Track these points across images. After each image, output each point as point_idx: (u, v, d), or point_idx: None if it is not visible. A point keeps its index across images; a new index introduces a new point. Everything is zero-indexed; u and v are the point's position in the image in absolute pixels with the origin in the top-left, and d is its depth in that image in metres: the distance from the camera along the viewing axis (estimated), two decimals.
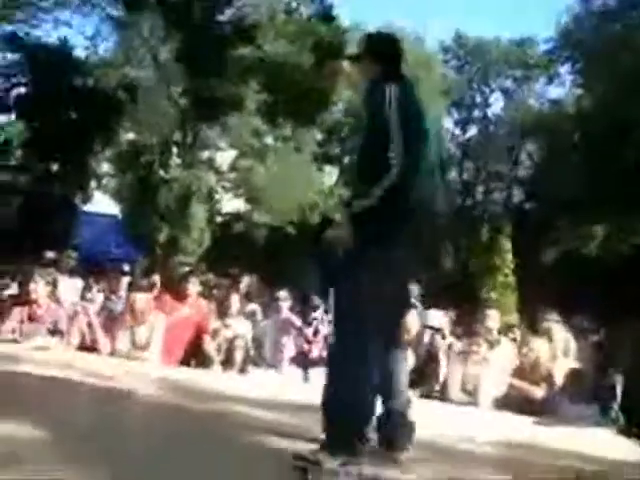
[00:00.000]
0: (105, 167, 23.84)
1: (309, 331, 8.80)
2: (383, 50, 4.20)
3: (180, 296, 8.82)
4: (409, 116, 3.85)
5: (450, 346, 8.16)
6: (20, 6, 21.41)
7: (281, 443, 4.33)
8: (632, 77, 20.93)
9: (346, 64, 4.67)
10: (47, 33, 22.83)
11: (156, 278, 9.51)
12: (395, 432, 4.13)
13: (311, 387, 7.59)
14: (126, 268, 9.54)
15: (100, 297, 9.05)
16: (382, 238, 3.77)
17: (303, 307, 9.66)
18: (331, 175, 30.40)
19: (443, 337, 8.40)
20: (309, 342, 8.68)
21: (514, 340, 9.16)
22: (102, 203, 22.33)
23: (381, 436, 4.12)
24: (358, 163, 4.22)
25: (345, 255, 3.90)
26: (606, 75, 24.33)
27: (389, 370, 4.13)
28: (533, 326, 8.88)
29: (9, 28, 21.55)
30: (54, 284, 9.12)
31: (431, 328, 8.37)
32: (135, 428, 4.88)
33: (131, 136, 23.25)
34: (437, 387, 7.57)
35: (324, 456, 3.70)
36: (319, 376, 8.00)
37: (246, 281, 10.56)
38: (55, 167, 20.77)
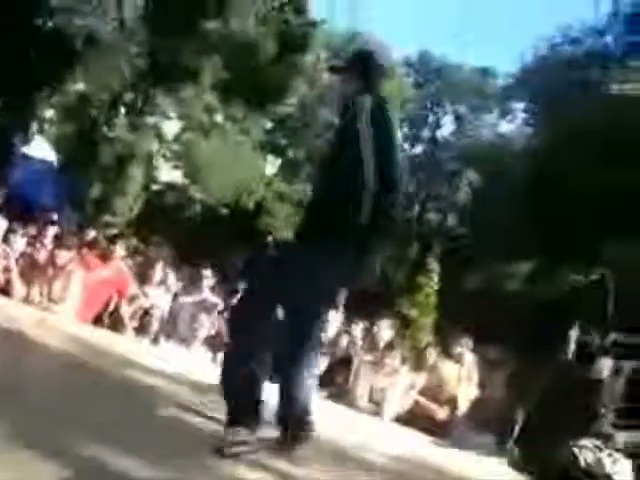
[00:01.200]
0: (49, 113, 23.32)
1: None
2: (369, 68, 4.31)
3: (104, 257, 8.71)
4: (381, 130, 3.96)
5: (359, 354, 8.22)
6: None
7: (177, 415, 4.42)
8: (581, 132, 21.39)
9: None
10: None
11: (85, 234, 9.35)
12: (296, 425, 4.13)
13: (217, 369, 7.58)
14: (54, 218, 9.32)
15: (23, 242, 8.82)
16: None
17: (224, 289, 9.63)
18: (273, 165, 30.34)
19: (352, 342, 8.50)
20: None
21: (426, 359, 9.25)
22: (41, 148, 21.84)
23: (280, 426, 4.14)
24: (325, 171, 4.30)
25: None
26: (556, 122, 24.83)
27: (295, 359, 4.10)
28: (446, 349, 8.97)
29: None
30: None
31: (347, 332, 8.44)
32: (38, 381, 4.78)
33: (80, 87, 22.78)
34: (345, 392, 7.61)
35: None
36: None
37: (159, 249, 10.45)
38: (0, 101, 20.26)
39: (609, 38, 25.10)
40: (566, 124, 22.72)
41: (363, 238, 3.86)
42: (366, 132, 3.88)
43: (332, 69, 4.79)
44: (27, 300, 7.90)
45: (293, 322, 4.06)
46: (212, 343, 8.55)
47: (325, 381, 7.40)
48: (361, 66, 4.30)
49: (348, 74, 4.31)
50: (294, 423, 4.13)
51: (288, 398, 4.09)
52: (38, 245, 8.68)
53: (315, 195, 4.39)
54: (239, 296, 4.23)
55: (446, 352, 8.64)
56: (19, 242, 8.71)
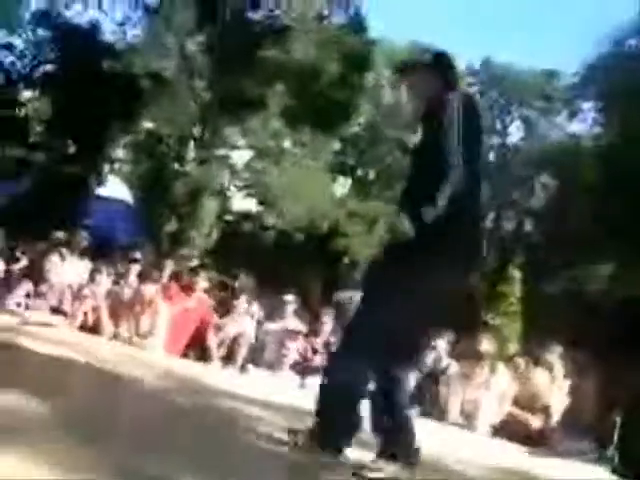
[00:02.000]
0: (121, 153, 23.85)
1: (317, 340, 8.80)
2: (448, 66, 4.13)
3: (188, 289, 8.85)
4: (470, 128, 3.81)
5: (448, 367, 8.15)
6: None
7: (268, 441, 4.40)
8: None
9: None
10: (78, 14, 22.85)
11: (167, 267, 9.51)
12: (407, 445, 3.96)
13: (307, 394, 7.61)
14: (137, 256, 9.54)
15: (108, 281, 9.04)
16: (444, 249, 3.76)
17: (309, 314, 9.68)
18: (344, 186, 30.40)
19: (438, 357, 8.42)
20: (315, 350, 8.68)
21: (515, 369, 9.13)
22: (115, 188, 22.33)
23: (387, 445, 3.97)
24: (413, 178, 4.04)
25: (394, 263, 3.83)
26: (626, 118, 24.33)
27: (398, 381, 3.99)
28: (535, 356, 8.84)
29: (41, 5, 21.65)
30: (64, 263, 9.14)
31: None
32: (129, 414, 4.87)
33: (150, 125, 23.25)
34: (436, 408, 7.55)
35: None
36: (316, 384, 8.06)
37: (242, 280, 10.55)
38: (72, 148, 20.83)
39: None
40: (633, 120, 22.25)
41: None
42: (455, 131, 3.72)
43: (406, 70, 4.40)
44: (116, 337, 8.07)
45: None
46: (299, 368, 8.58)
47: (415, 398, 7.35)
48: (439, 64, 4.10)
49: (427, 73, 4.09)
50: (406, 442, 3.96)
51: (395, 420, 3.97)
52: (123, 282, 8.88)
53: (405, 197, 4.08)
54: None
55: (535, 360, 8.50)
56: (104, 281, 8.93)
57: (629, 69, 26.19)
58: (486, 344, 8.42)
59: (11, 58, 21.72)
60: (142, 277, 8.65)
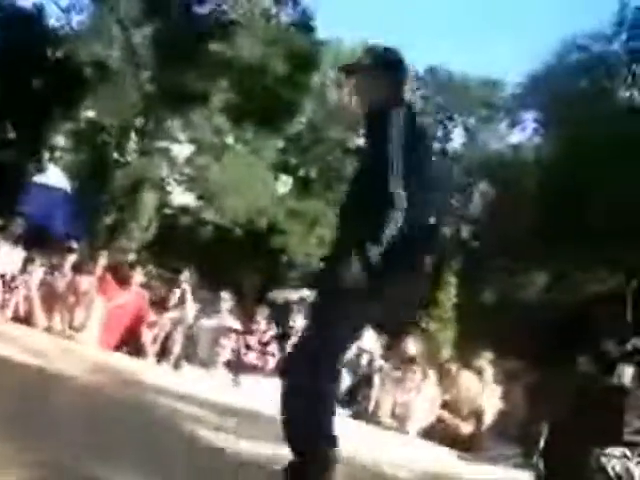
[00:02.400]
0: (61, 141, 23.48)
1: (251, 338, 8.80)
2: (391, 62, 3.90)
3: (123, 283, 8.76)
4: (411, 144, 3.57)
5: (381, 369, 8.23)
6: None
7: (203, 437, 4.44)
8: (591, 139, 21.35)
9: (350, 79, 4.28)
10: None
11: (102, 260, 9.36)
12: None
13: (240, 392, 7.63)
14: (74, 246, 9.36)
15: (41, 271, 8.86)
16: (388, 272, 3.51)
17: (243, 312, 9.67)
18: (285, 184, 30.39)
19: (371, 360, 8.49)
20: (248, 347, 8.68)
21: (446, 374, 9.24)
22: (54, 176, 21.96)
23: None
24: (352, 194, 3.83)
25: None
26: (567, 132, 24.80)
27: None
28: (466, 362, 8.96)
29: None
30: None
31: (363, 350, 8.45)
32: (61, 409, 4.81)
33: (91, 114, 22.95)
34: (367, 410, 7.61)
35: None
36: (249, 382, 8.10)
37: (185, 276, 10.47)
38: (12, 133, 20.43)
39: (616, 45, 25.05)
40: (573, 133, 22.71)
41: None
42: (395, 148, 3.49)
43: (352, 69, 4.16)
44: (49, 329, 7.95)
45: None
46: (232, 366, 8.57)
47: (347, 400, 7.42)
48: (385, 64, 3.86)
49: (372, 73, 3.85)
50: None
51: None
52: (57, 273, 8.71)
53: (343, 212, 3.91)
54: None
55: (467, 365, 8.63)
56: (38, 271, 8.75)
57: (570, 81, 26.72)
58: (418, 348, 8.53)
59: None
60: (77, 268, 8.52)
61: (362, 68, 3.94)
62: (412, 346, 8.54)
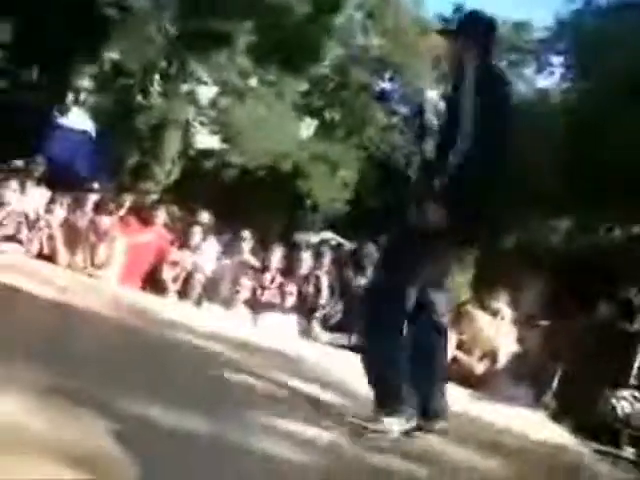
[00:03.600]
0: (85, 83, 23.48)
1: (265, 276, 8.90)
2: (481, 33, 4.12)
3: (146, 222, 8.89)
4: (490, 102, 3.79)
5: None
6: None
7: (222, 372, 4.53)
8: (620, 80, 21.05)
9: (439, 40, 4.59)
10: None
11: (126, 200, 9.49)
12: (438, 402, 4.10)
13: (258, 330, 7.77)
14: (95, 186, 9.50)
15: (64, 210, 8.99)
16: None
17: (262, 252, 9.75)
18: (309, 127, 30.27)
19: None
20: (263, 287, 8.78)
21: (464, 314, 9.30)
22: (78, 118, 22.02)
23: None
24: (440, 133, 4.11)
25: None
26: (595, 74, 24.43)
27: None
28: (483, 303, 9.02)
29: None
30: (22, 191, 9.07)
31: None
32: (82, 341, 4.93)
33: (114, 56, 22.88)
34: None
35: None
36: (267, 320, 8.24)
37: (204, 216, 10.57)
38: (35, 75, 20.44)
39: None
40: (602, 75, 22.36)
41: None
42: (468, 104, 3.75)
43: (442, 32, 4.58)
44: (71, 266, 8.10)
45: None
46: (251, 304, 8.70)
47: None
48: (476, 31, 4.10)
49: (460, 39, 4.12)
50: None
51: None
52: (79, 213, 8.85)
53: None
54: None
55: (484, 307, 8.69)
56: (60, 211, 8.90)
57: (600, 25, 26.27)
58: None
59: None
60: (98, 208, 8.65)
61: (453, 31, 4.26)
62: None
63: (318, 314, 8.46)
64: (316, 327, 8.31)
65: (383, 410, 3.84)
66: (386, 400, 3.87)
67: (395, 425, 3.81)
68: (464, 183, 3.73)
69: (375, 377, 3.95)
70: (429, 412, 4.00)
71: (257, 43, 22.02)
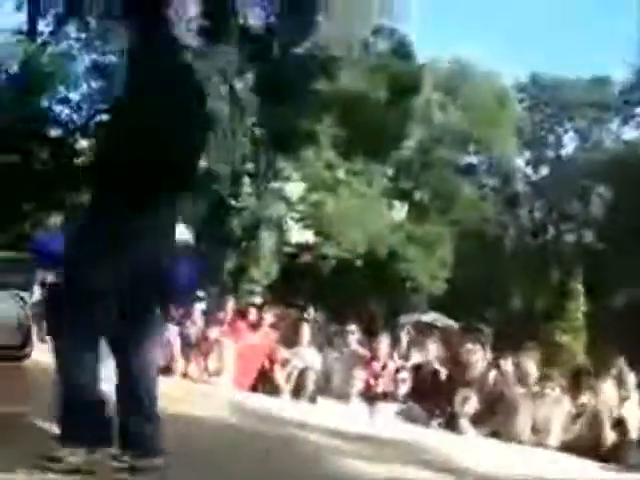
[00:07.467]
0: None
1: (376, 365, 8.85)
2: None
3: (253, 325, 9.02)
4: None
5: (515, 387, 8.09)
6: None
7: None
8: None
9: None
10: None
11: (230, 305, 9.67)
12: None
13: (376, 421, 7.70)
14: (200, 294, 9.73)
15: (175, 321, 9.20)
16: None
17: (369, 340, 9.72)
18: (401, 210, 30.40)
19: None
20: (376, 377, 8.72)
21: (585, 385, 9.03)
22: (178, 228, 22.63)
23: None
24: None
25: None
26: None
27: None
28: (602, 371, 8.76)
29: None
30: None
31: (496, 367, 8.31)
32: (207, 449, 4.96)
33: (204, 164, 23.53)
34: (505, 426, 7.51)
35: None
36: (385, 411, 8.14)
37: (310, 312, 10.67)
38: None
39: None
40: None
41: None
42: None
43: None
44: (186, 376, 8.26)
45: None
46: (365, 396, 8.62)
47: (482, 419, 7.39)
48: None
49: None
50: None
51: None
52: (189, 323, 9.05)
53: None
54: None
55: (604, 374, 8.43)
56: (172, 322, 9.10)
57: None
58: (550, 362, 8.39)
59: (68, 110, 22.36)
60: (207, 318, 8.84)
61: None
62: (532, 364, 8.25)
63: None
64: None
65: None
66: None
67: None
68: None
69: None
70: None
71: (340, 135, 22.45)
